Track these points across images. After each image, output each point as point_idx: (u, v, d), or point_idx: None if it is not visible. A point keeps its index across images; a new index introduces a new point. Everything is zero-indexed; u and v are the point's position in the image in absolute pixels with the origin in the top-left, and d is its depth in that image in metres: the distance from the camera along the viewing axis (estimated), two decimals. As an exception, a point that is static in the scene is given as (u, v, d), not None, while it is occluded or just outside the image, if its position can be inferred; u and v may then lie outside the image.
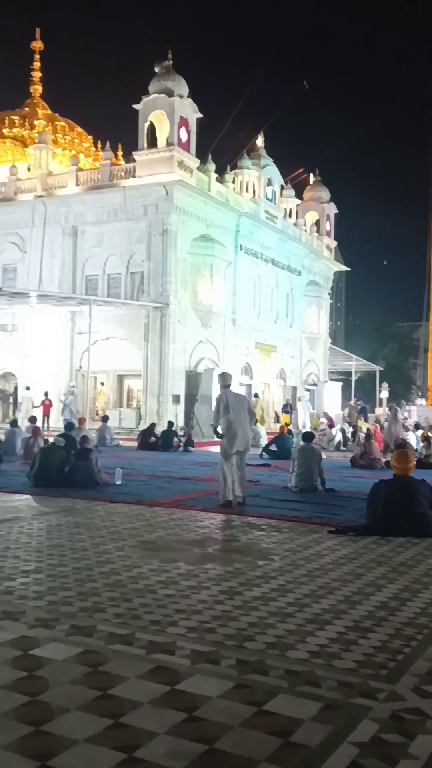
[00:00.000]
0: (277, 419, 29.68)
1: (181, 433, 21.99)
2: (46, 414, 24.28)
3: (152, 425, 21.33)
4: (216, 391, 24.09)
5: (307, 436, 12.16)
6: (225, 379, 9.81)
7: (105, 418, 21.84)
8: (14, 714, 3.11)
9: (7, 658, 3.77)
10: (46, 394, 25.53)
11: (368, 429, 21.19)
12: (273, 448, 17.48)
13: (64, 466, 11.15)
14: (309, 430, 18.71)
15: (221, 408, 9.42)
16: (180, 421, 24.47)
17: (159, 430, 21.01)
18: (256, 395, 28.23)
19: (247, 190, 31.57)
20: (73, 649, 3.91)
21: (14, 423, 17.85)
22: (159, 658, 3.83)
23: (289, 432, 19.50)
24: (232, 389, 9.82)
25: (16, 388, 29.01)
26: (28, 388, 26.90)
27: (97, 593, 5.02)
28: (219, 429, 9.49)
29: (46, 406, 24.90)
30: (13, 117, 36.11)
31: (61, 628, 4.27)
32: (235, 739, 2.96)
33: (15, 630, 4.21)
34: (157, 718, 3.12)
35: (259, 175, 32.17)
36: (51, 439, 13.25)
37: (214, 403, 10.04)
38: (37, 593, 5.00)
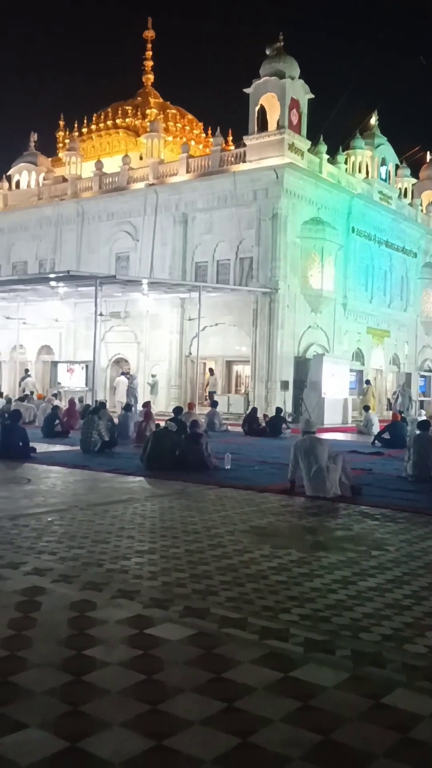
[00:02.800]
0: (389, 406, 28.89)
1: (289, 419, 21.85)
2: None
3: (254, 410, 21.28)
4: (325, 376, 23.87)
5: (424, 425, 11.62)
6: None
7: (214, 404, 22.04)
8: (131, 692, 3.18)
9: (124, 635, 3.86)
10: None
11: None
12: (386, 436, 17.01)
13: (175, 449, 11.35)
14: (426, 417, 18.06)
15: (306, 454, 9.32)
16: (288, 407, 24.33)
17: (266, 415, 20.95)
18: (367, 382, 27.59)
19: (359, 171, 30.76)
20: (187, 631, 3.95)
21: (128, 407, 18.32)
22: (272, 644, 3.80)
23: (403, 419, 18.92)
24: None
25: (128, 373, 29.92)
26: (122, 374, 27.66)
27: (209, 576, 5.06)
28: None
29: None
30: (126, 107, 36.85)
31: (175, 608, 4.33)
32: (351, 732, 2.89)
33: (131, 608, 4.31)
34: (272, 704, 3.09)
35: (372, 154, 31.25)
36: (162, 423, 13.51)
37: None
38: (152, 573, 5.10)
